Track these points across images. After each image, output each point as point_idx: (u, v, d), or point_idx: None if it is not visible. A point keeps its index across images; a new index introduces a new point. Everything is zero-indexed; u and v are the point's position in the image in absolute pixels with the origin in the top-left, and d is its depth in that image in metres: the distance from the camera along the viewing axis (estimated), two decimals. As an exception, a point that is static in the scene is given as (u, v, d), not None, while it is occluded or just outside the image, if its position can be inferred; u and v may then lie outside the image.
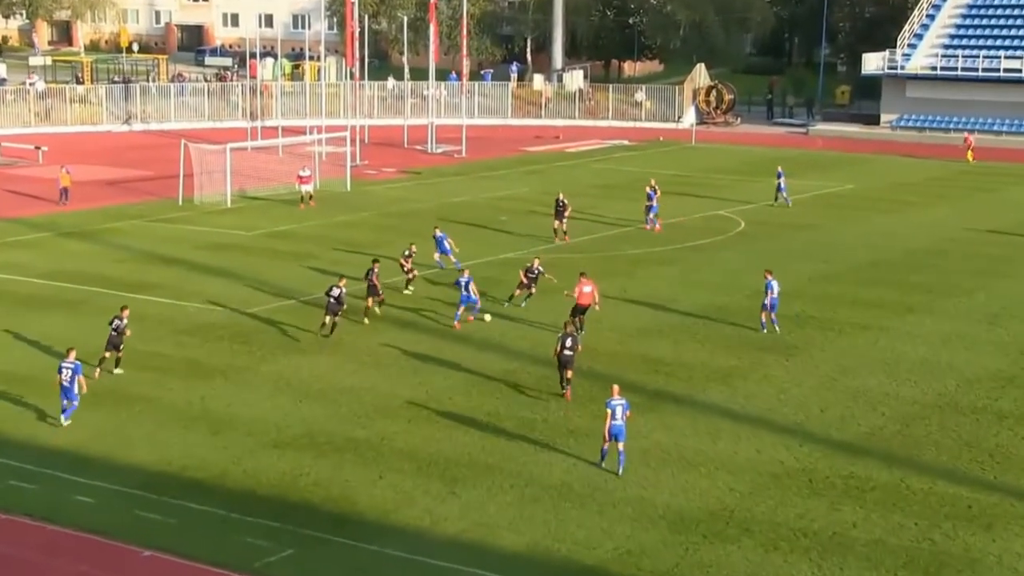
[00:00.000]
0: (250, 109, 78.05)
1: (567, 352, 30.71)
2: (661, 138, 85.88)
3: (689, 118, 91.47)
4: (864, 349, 35.39)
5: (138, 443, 27.76)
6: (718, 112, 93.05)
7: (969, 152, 75.29)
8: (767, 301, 36.56)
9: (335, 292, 35.32)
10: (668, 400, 30.81)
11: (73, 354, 28.94)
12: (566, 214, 49.13)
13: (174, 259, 46.10)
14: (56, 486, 25.44)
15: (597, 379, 32.24)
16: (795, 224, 50.76)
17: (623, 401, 26.59)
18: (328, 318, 35.23)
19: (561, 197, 49.80)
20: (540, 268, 39.02)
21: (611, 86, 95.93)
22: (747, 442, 28.12)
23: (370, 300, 37.40)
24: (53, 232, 50.83)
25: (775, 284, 36.74)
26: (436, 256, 43.61)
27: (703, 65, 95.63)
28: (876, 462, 27.07)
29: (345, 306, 35.43)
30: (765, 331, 36.40)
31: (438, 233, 44.22)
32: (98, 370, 31.66)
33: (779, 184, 58.30)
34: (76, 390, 28.50)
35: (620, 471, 26.11)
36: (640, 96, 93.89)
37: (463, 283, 36.80)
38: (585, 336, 35.10)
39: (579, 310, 35.40)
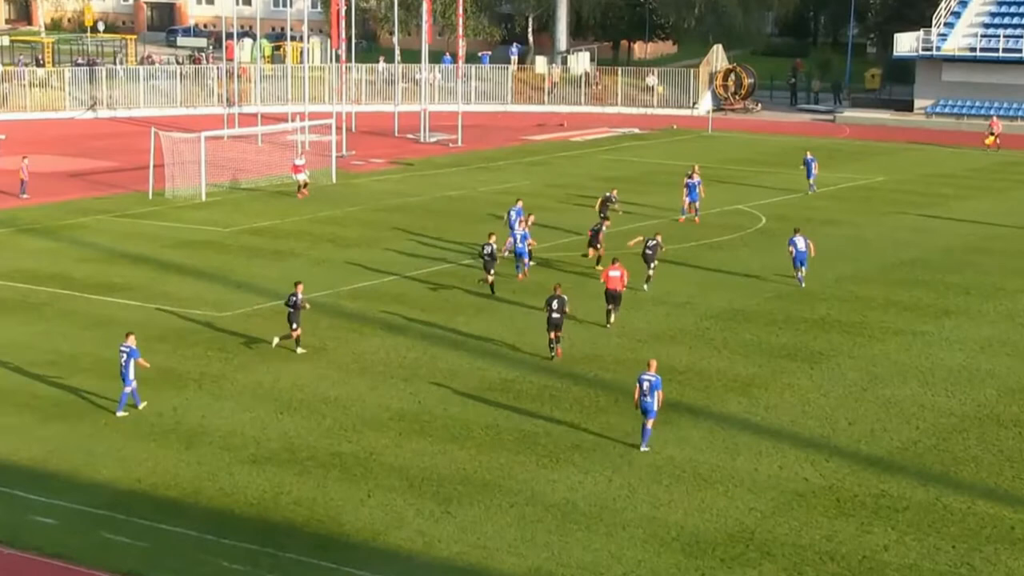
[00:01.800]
0: (226, 94, 78.08)
1: (555, 315, 33.86)
2: (675, 126, 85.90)
3: (705, 104, 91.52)
4: (896, 356, 35.39)
5: (104, 458, 27.73)
6: (737, 98, 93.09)
7: (991, 137, 75.20)
8: (795, 256, 41.38)
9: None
10: (682, 412, 30.80)
11: (132, 339, 30.27)
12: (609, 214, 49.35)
13: (143, 258, 46.11)
14: (14, 506, 25.42)
15: (605, 388, 32.26)
16: (821, 220, 50.79)
17: (652, 377, 27.88)
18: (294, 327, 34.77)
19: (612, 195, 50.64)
20: (659, 240, 42.02)
21: (620, 69, 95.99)
22: (768, 457, 28.12)
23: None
24: (11, 228, 50.86)
25: (799, 240, 41.54)
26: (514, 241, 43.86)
27: (720, 46, 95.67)
28: (910, 479, 27.06)
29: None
30: (804, 285, 41.49)
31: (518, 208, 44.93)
32: (276, 339, 34.39)
33: (809, 170, 59.07)
34: (132, 375, 29.78)
35: (643, 447, 27.84)
36: (652, 80, 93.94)
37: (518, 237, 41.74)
38: (607, 331, 35.12)
39: (610, 296, 37.23)
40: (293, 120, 69.91)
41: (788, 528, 24.80)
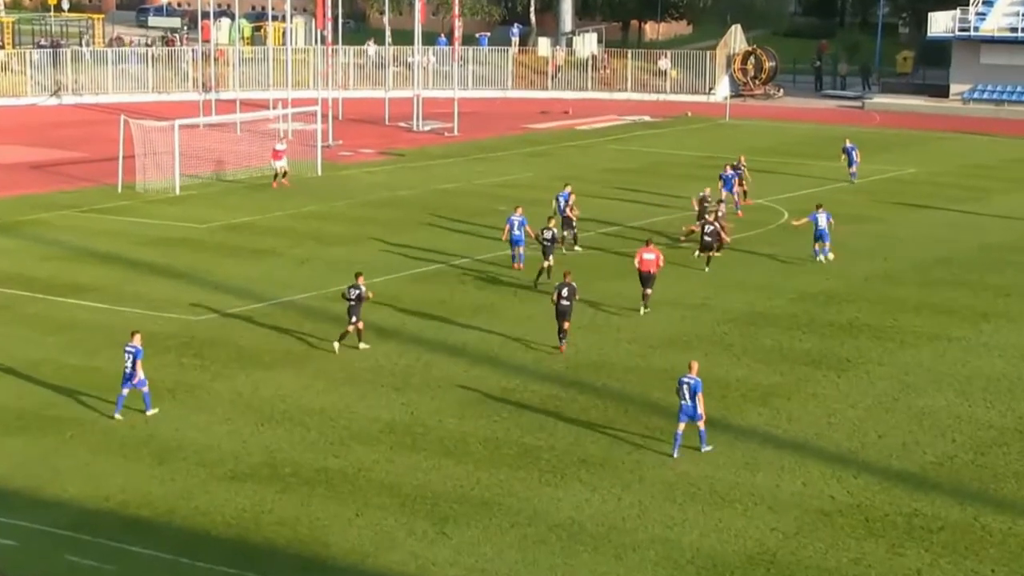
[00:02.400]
0: (202, 79, 78.12)
1: (564, 302, 35.05)
2: (689, 113, 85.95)
3: (722, 90, 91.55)
4: (930, 363, 35.40)
5: (69, 475, 27.74)
6: (756, 83, 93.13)
7: None
8: (816, 232, 44.39)
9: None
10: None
11: (138, 337, 30.85)
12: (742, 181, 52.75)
13: (112, 257, 46.12)
14: (-28, 526, 25.45)
15: (614, 399, 32.28)
16: (849, 215, 50.80)
17: (692, 380, 28.44)
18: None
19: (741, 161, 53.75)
20: (722, 213, 45.26)
21: (630, 52, 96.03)
22: (791, 473, 28.13)
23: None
24: (-31, 225, 50.94)
25: (821, 216, 44.59)
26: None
27: (739, 27, 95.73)
28: (945, 497, 27.06)
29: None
30: (818, 258, 44.56)
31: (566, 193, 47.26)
32: (337, 344, 35.02)
33: (850, 159, 60.11)
34: (142, 375, 30.48)
35: (703, 449, 28.75)
36: (664, 64, 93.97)
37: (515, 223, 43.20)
38: (617, 336, 35.16)
39: (644, 279, 38.83)
40: (275, 107, 69.92)
41: (813, 550, 24.80)
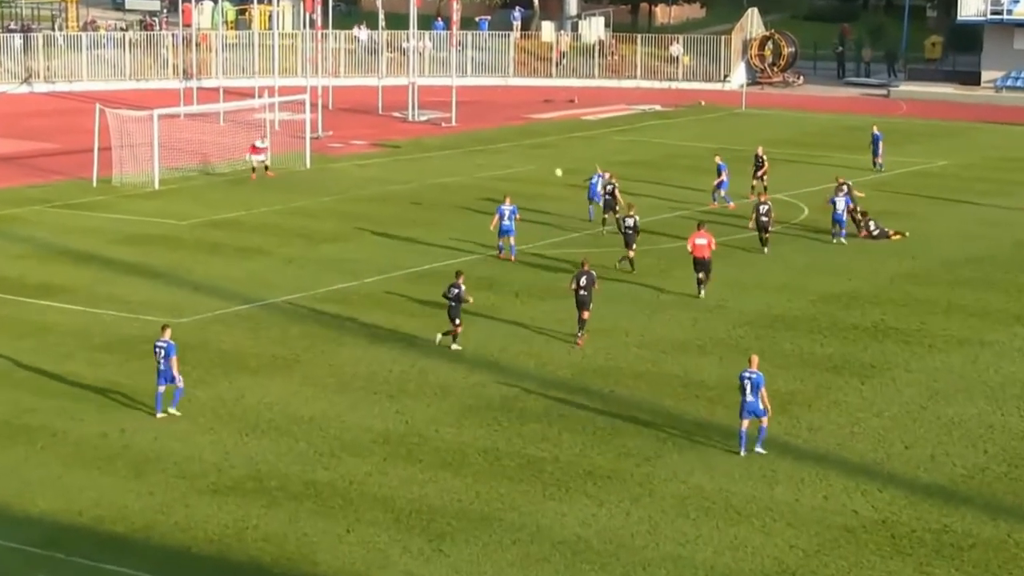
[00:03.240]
0: (183, 66, 78.12)
1: (582, 292, 36.26)
2: (703, 102, 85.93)
3: (738, 78, 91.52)
4: (961, 369, 35.38)
5: (41, 488, 27.72)
6: (775, 70, 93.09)
7: None
8: (834, 216, 47.54)
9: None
10: (712, 433, 30.80)
11: (168, 332, 31.51)
12: (762, 173, 54.46)
13: (87, 255, 46.12)
14: (-64, 542, 25.44)
15: (622, 406, 32.27)
16: (874, 211, 50.75)
17: (754, 374, 29.30)
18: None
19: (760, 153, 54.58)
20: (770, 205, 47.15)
21: (640, 37, 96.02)
22: (812, 487, 28.11)
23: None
24: (-67, 221, 50.97)
25: (840, 200, 47.57)
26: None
27: (755, 10, 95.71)
28: (976, 512, 27.04)
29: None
30: (834, 241, 47.40)
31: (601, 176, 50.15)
32: (440, 335, 35.99)
33: (876, 147, 60.92)
34: (175, 371, 31.20)
35: (758, 448, 29.33)
36: (676, 50, 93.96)
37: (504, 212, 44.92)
38: (626, 340, 35.11)
39: (699, 265, 40.66)
40: (260, 96, 69.88)
41: (835, 569, 24.78)
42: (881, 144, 61.15)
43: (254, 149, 58.24)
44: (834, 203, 47.93)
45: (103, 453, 29.45)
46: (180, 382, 31.45)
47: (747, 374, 29.50)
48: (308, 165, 62.02)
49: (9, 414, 31.58)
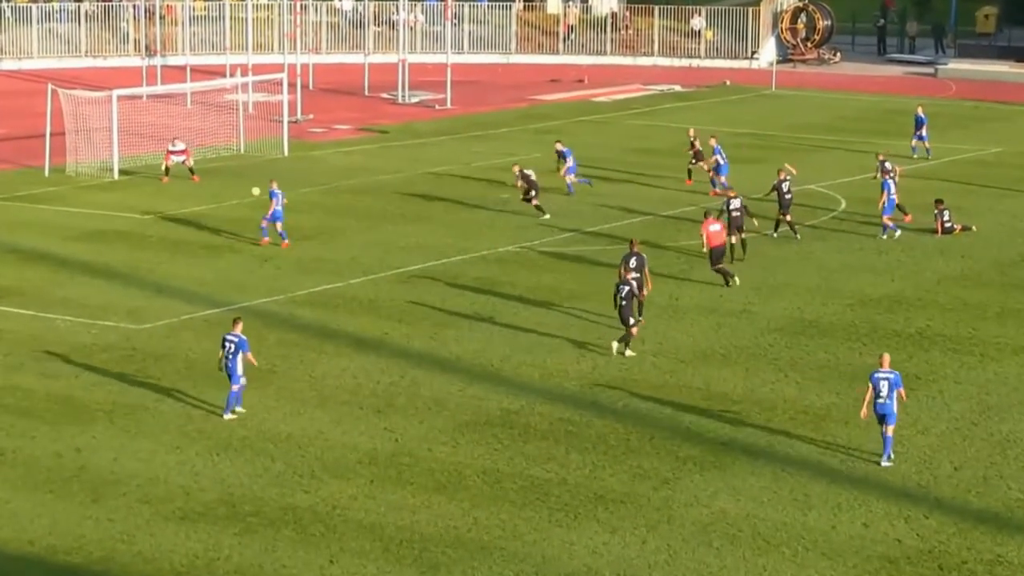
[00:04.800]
0: (146, 41, 78.19)
1: (634, 275, 37.52)
2: (728, 82, 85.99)
3: (768, 54, 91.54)
4: (1016, 380, 35.41)
5: (-13, 514, 27.83)
6: (808, 45, 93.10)
7: None
8: (884, 202, 47.68)
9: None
10: (737, 452, 30.86)
11: (240, 326, 32.56)
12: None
13: (37, 254, 46.18)
14: None
15: (639, 422, 32.31)
16: (918, 204, 50.80)
17: (891, 374, 30.01)
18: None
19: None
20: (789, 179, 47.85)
21: (657, 9, 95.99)
22: (850, 512, 28.16)
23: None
24: None
25: (892, 183, 47.93)
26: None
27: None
28: (1033, 541, 27.12)
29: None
30: (886, 236, 47.61)
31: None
32: (615, 344, 36.46)
33: (920, 133, 61.28)
34: (241, 370, 32.05)
35: (885, 460, 29.92)
36: (698, 23, 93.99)
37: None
38: (642, 348, 35.18)
39: (716, 255, 41.98)
40: (232, 75, 69.96)
41: (875, 604, 24.86)
42: (926, 127, 61.29)
43: (171, 153, 56.46)
44: (887, 188, 48.08)
45: (57, 475, 29.49)
46: (242, 384, 32.26)
47: (882, 374, 30.18)
48: (286, 152, 62.07)
49: (-49, 431, 31.67)
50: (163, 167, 56.05)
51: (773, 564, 26.05)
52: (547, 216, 49.90)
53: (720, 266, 42.17)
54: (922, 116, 61.57)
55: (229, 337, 32.41)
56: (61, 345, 37.27)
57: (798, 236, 47.31)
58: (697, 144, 55.87)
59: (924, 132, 61.27)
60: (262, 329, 38.35)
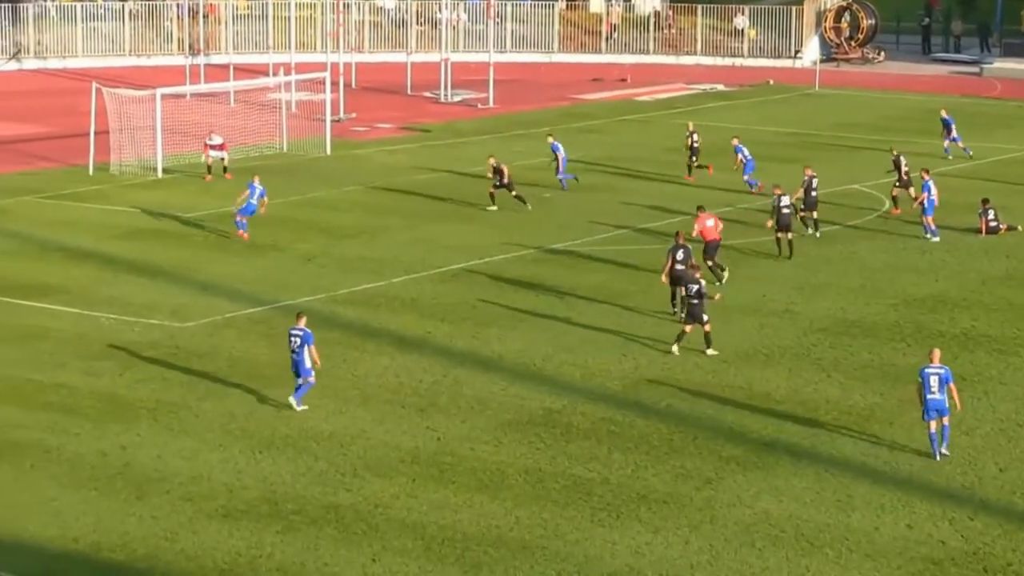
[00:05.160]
0: (189, 40, 78.42)
1: (679, 267, 38.28)
2: (771, 81, 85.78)
3: (811, 53, 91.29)
4: (1062, 382, 35.30)
5: (31, 512, 27.89)
6: (852, 44, 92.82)
7: None
8: (924, 203, 47.39)
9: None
10: (781, 453, 30.80)
11: (304, 320, 32.90)
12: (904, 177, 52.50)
13: (82, 252, 46.37)
14: (-84, 571, 25.68)
15: (682, 422, 32.28)
16: (964, 204, 50.60)
17: (941, 369, 30.26)
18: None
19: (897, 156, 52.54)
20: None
21: (700, 8, 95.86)
22: (893, 514, 28.08)
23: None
24: (-88, 213, 51.33)
25: (932, 185, 47.21)
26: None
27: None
28: (1079, 543, 27.00)
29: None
30: (937, 238, 47.25)
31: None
32: (676, 346, 36.50)
33: (950, 134, 61.12)
34: (308, 364, 32.60)
35: (943, 450, 30.24)
36: (741, 22, 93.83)
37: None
38: (682, 348, 35.17)
39: (710, 250, 41.89)
40: (275, 74, 70.11)
41: (919, 606, 24.79)
42: (954, 128, 61.27)
43: (209, 148, 56.77)
44: (928, 189, 47.70)
45: (101, 473, 29.62)
46: (311, 376, 32.67)
47: (932, 369, 30.35)
48: (328, 151, 62.17)
49: (-4, 428, 31.85)
50: (205, 164, 56.20)
51: (816, 565, 25.99)
52: (529, 207, 51.04)
53: (715, 262, 41.97)
54: (947, 118, 61.63)
55: (294, 331, 32.82)
56: (105, 343, 37.43)
57: (818, 233, 47.27)
58: (695, 139, 56.41)
59: (955, 133, 61.14)
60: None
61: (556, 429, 31.97)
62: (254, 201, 47.41)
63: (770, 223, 45.09)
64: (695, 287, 36.55)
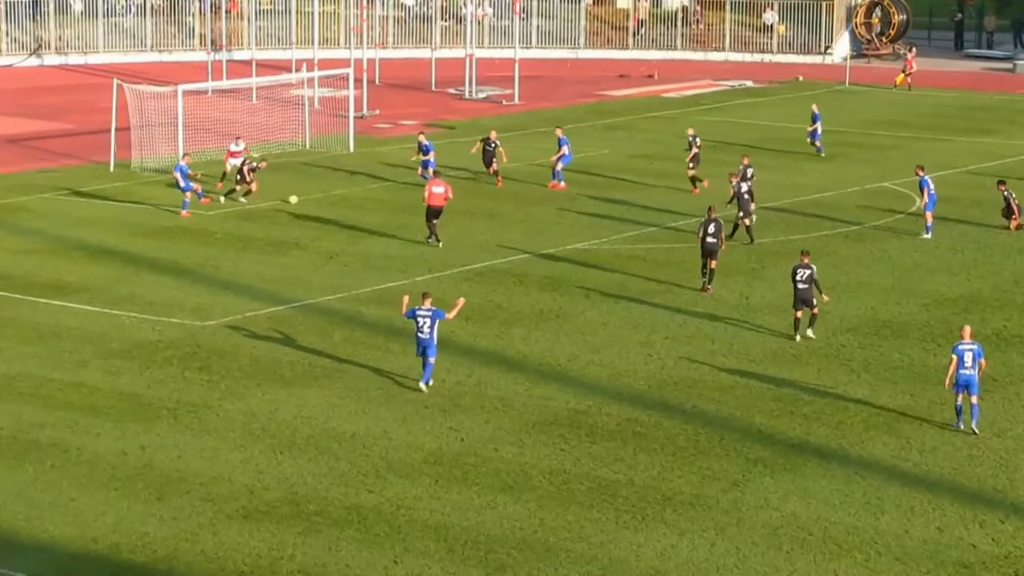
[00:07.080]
0: (211, 36, 78.57)
1: (710, 239, 40.48)
2: (801, 78, 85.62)
3: (841, 49, 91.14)
4: (1095, 383, 35.23)
5: (51, 512, 27.99)
6: (883, 40, 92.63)
7: (901, 75, 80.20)
8: (925, 201, 47.38)
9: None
10: (809, 454, 30.78)
11: (429, 300, 33.92)
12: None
13: (103, 249, 46.49)
14: (-65, 572, 25.76)
15: (708, 423, 32.27)
16: (996, 201, 50.48)
17: (974, 345, 31.47)
18: None
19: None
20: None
21: (728, 3, 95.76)
22: (923, 516, 28.04)
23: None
24: (-68, 210, 51.49)
25: (930, 181, 47.44)
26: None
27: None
28: (1111, 547, 26.93)
29: None
30: (929, 235, 47.14)
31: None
32: (799, 336, 37.51)
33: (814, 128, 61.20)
34: (436, 341, 33.71)
35: (974, 426, 31.29)
36: (770, 18, 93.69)
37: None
38: (711, 348, 35.12)
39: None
40: (298, 70, 70.21)
41: (949, 610, 24.75)
42: (819, 124, 60.97)
43: (231, 153, 56.28)
44: (924, 185, 47.92)
45: (121, 473, 29.71)
46: (434, 356, 33.70)
47: (965, 346, 31.48)
48: (352, 148, 62.22)
49: (15, 429, 31.89)
50: (222, 171, 55.48)
51: (844, 568, 25.97)
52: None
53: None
54: (816, 113, 61.31)
55: (421, 312, 33.62)
56: (126, 342, 37.54)
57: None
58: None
59: (819, 129, 60.96)
60: (327, 327, 38.51)
61: (581, 430, 31.98)
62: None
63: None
64: (807, 272, 37.38)
